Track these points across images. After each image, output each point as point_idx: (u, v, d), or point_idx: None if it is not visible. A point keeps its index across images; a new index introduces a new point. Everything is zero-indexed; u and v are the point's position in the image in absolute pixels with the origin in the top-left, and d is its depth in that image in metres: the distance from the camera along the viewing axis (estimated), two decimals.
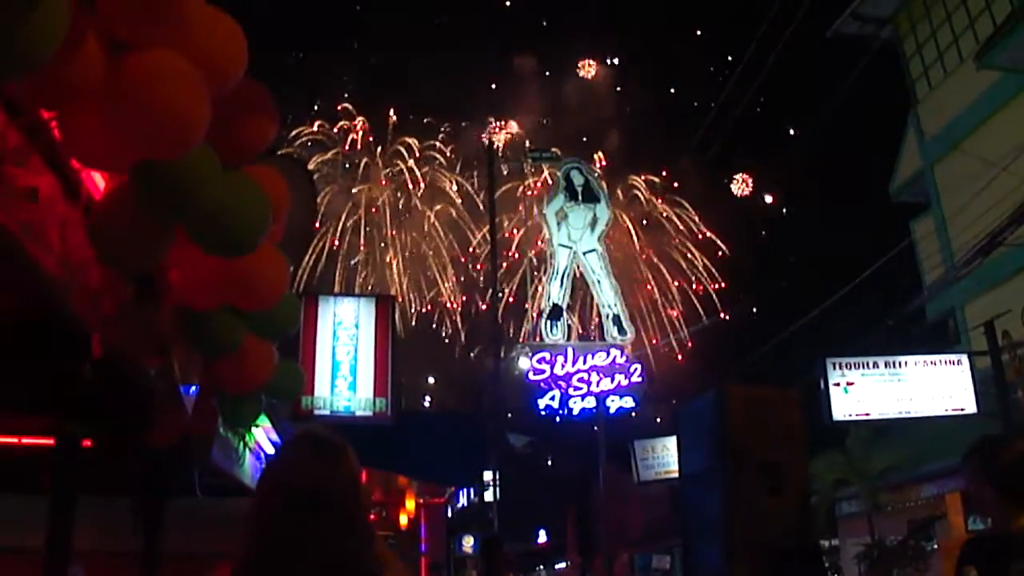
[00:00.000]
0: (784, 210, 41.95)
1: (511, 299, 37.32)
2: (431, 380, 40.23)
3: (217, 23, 2.81)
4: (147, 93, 2.47)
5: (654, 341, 33.83)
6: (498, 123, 40.14)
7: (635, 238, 38.55)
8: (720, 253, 40.86)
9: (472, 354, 39.14)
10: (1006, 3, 17.60)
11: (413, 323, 39.25)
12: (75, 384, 4.29)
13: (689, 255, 40.90)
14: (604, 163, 37.21)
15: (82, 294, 3.58)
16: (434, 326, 39.64)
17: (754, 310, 38.77)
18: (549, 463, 35.64)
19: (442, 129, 41.01)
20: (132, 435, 5.73)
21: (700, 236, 41.28)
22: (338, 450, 2.18)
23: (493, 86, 43.08)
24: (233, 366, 4.79)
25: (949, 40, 19.94)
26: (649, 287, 39.22)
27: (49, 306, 3.47)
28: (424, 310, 39.41)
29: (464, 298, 40.12)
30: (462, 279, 40.57)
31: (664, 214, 41.12)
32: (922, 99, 20.97)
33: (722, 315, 38.97)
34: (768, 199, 42.83)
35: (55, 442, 5.42)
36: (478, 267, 39.59)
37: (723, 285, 40.41)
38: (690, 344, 38.69)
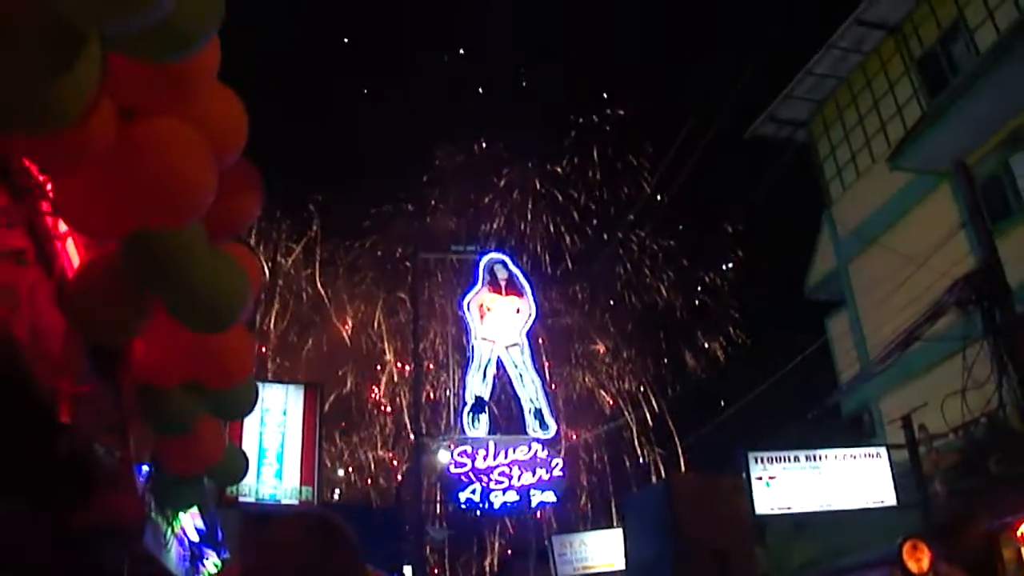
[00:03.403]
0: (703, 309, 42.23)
1: (432, 395, 36.93)
2: (340, 473, 39.51)
3: (223, 97, 2.83)
4: (159, 159, 2.48)
5: (574, 437, 33.65)
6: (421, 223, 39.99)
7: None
8: (632, 352, 41.03)
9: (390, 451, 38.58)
10: (916, 108, 18.39)
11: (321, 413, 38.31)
12: (42, 458, 4.14)
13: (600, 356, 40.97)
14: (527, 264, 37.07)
15: (46, 363, 3.50)
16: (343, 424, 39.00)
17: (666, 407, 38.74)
18: (466, 556, 35.14)
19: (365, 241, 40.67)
20: (67, 514, 5.53)
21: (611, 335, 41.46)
22: (344, 533, 2.20)
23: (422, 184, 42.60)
24: (185, 446, 4.68)
25: (862, 142, 20.61)
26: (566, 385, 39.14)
27: (16, 372, 3.39)
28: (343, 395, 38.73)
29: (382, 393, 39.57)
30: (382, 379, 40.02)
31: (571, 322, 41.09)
32: (836, 199, 21.60)
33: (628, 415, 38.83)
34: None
35: None
36: (398, 366, 39.10)
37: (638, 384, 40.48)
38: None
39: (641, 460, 38.44)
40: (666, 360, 40.30)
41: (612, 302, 40.48)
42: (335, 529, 2.20)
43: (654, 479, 35.00)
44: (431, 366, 36.38)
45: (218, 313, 3.27)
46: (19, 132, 2.27)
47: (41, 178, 2.91)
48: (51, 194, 2.89)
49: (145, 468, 4.78)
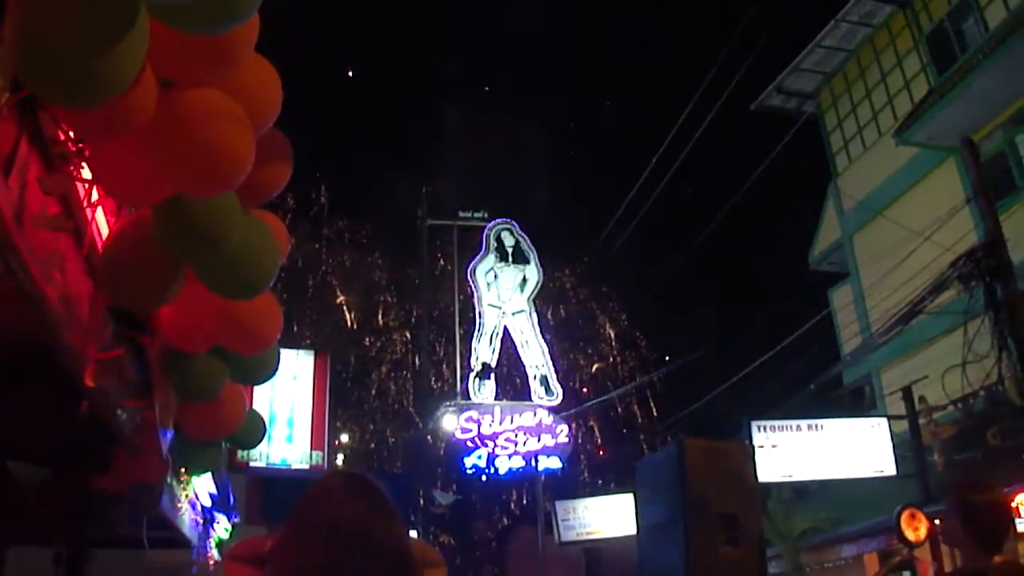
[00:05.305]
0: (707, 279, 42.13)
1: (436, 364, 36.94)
2: (344, 439, 39.57)
3: (260, 67, 2.89)
4: (201, 129, 2.53)
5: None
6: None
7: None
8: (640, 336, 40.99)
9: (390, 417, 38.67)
10: (924, 83, 18.42)
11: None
12: (65, 423, 4.21)
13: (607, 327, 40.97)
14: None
15: (74, 329, 3.55)
16: (349, 383, 39.00)
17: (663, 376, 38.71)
18: (468, 521, 35.36)
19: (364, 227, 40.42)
20: (87, 478, 5.60)
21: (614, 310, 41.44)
22: (381, 491, 2.11)
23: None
24: (209, 411, 4.74)
25: (869, 116, 20.67)
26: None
27: (48, 339, 3.44)
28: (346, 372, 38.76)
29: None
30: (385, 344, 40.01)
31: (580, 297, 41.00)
32: (842, 171, 21.64)
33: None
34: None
35: None
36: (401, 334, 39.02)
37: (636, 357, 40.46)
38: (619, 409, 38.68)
39: (641, 433, 38.63)
40: (666, 332, 40.38)
41: (613, 274, 40.55)
42: (372, 486, 2.09)
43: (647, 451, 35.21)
44: (437, 346, 36.37)
45: (250, 279, 3.33)
46: (68, 104, 2.33)
47: (78, 146, 2.95)
48: (88, 162, 2.94)
49: (169, 434, 4.82)
